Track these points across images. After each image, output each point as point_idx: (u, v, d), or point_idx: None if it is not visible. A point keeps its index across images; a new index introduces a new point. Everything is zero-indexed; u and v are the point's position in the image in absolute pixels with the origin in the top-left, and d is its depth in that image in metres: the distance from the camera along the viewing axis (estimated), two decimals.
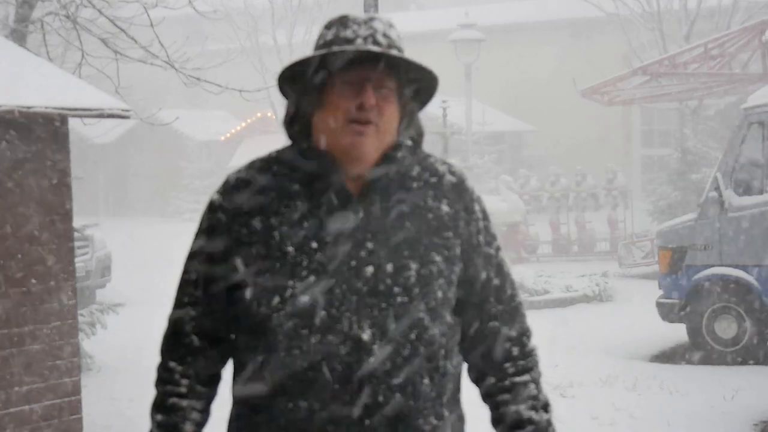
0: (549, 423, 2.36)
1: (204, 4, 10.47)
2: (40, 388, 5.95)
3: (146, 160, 31.98)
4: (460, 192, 2.24)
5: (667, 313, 10.02)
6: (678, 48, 17.45)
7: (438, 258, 2.16)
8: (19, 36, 8.45)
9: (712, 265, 9.68)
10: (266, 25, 25.43)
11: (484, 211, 2.28)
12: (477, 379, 2.33)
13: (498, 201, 18.02)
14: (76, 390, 6.19)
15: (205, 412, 2.25)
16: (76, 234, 7.45)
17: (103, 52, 8.93)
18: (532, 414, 2.31)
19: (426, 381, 2.14)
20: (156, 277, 15.94)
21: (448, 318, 2.20)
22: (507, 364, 2.29)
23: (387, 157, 2.17)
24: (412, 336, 2.12)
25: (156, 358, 2.27)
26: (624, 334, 10.79)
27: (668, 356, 9.98)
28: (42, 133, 5.91)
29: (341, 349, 2.08)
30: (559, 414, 8.56)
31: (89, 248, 13.20)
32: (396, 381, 2.10)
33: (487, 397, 2.32)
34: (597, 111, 23.19)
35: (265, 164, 2.21)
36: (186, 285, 2.24)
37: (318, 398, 2.09)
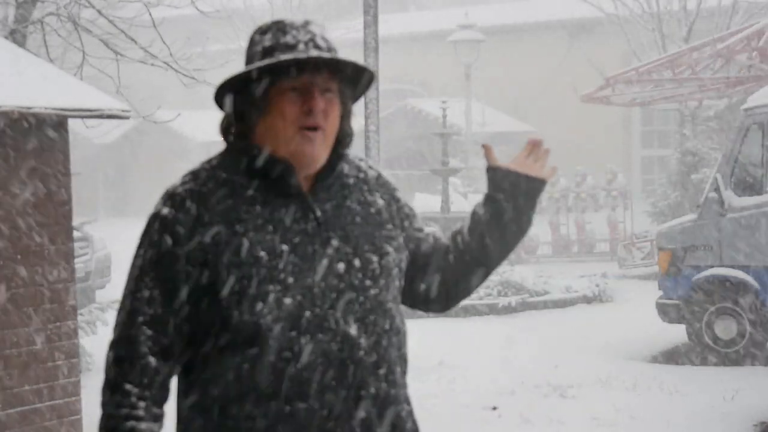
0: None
1: (205, 5, 10.47)
2: (40, 388, 5.95)
3: (146, 161, 31.98)
4: (384, 184, 2.35)
5: (667, 313, 10.02)
6: (677, 48, 17.45)
7: (390, 249, 2.26)
8: (19, 37, 8.45)
9: (712, 266, 9.68)
10: None
11: (402, 197, 2.39)
12: (443, 276, 2.40)
13: None
14: (76, 390, 6.19)
15: None
16: (75, 233, 7.45)
17: (104, 53, 8.93)
18: (478, 209, 2.42)
19: (398, 369, 2.23)
20: None
21: (401, 307, 2.31)
22: (449, 243, 2.42)
23: (336, 157, 2.24)
24: (386, 326, 2.20)
25: (100, 378, 2.19)
26: (624, 334, 10.79)
27: (668, 357, 9.99)
28: (42, 134, 5.91)
29: (333, 347, 2.12)
30: (559, 414, 8.55)
31: (89, 249, 13.21)
32: (381, 371, 2.17)
33: (452, 258, 2.40)
34: (597, 112, 23.20)
35: (211, 173, 2.21)
36: (139, 303, 2.16)
37: (316, 398, 2.10)
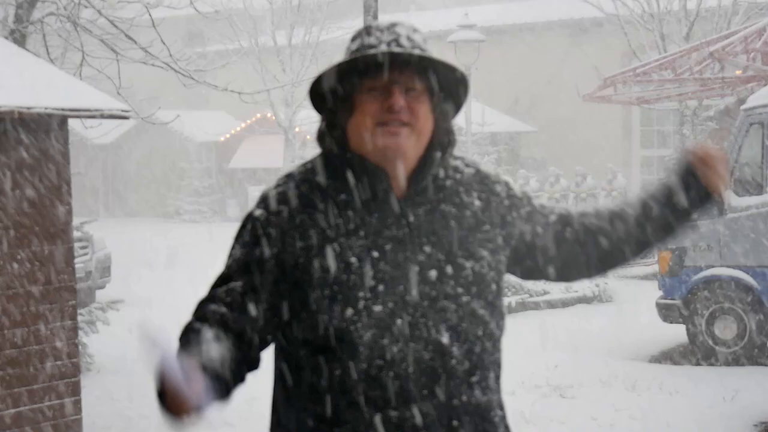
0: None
1: (205, 5, 10.47)
2: (40, 388, 5.96)
3: (146, 161, 31.97)
4: (482, 180, 2.30)
5: (666, 313, 10.02)
6: (677, 48, 17.44)
7: (485, 253, 2.21)
8: (19, 37, 8.45)
9: (712, 266, 9.68)
10: (266, 26, 25.43)
11: (506, 184, 2.34)
12: (601, 255, 2.39)
13: None
14: (76, 390, 6.19)
15: (234, 355, 2.06)
16: (75, 233, 7.45)
17: (104, 53, 8.93)
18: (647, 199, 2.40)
19: (492, 375, 2.20)
20: (156, 277, 15.96)
21: (503, 309, 2.26)
22: (599, 223, 2.38)
23: (426, 160, 2.19)
24: (479, 333, 2.16)
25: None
26: (624, 334, 10.79)
27: (668, 357, 9.99)
28: (42, 134, 5.91)
29: (425, 355, 2.09)
30: (559, 414, 8.55)
31: (89, 249, 13.20)
32: (474, 379, 2.14)
33: (621, 236, 2.38)
34: (597, 112, 23.21)
35: (305, 176, 2.20)
36: (220, 293, 2.13)
37: (409, 406, 2.08)
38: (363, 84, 2.14)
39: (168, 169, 31.40)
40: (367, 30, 2.20)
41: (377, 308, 2.08)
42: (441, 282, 2.13)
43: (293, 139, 24.73)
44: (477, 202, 2.25)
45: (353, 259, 2.10)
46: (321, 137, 2.22)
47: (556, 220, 2.36)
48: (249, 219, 2.19)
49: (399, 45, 2.15)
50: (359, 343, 2.07)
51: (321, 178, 2.19)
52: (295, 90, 23.22)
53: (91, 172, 30.33)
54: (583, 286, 13.79)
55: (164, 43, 8.66)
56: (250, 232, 2.17)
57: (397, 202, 2.16)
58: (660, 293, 10.20)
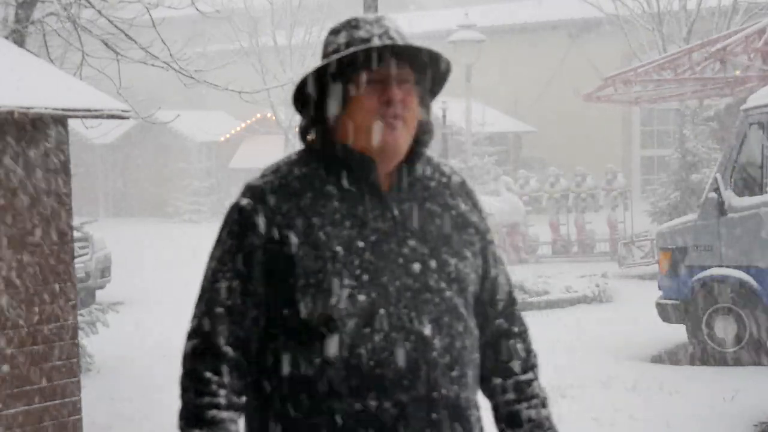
0: (547, 418, 2.40)
1: (205, 5, 10.47)
2: (40, 388, 5.96)
3: (146, 161, 31.98)
4: (468, 191, 2.33)
5: (666, 313, 10.02)
6: (677, 48, 17.44)
7: (468, 253, 2.23)
8: (19, 37, 8.45)
9: (712, 266, 9.68)
10: (266, 26, 25.43)
11: (484, 210, 2.37)
12: (482, 377, 2.35)
13: (498, 202, 18.03)
14: (76, 390, 6.19)
15: (238, 425, 2.18)
16: (76, 233, 7.46)
17: (104, 53, 8.93)
18: (532, 413, 2.35)
19: (470, 372, 2.21)
20: (156, 277, 15.96)
21: (472, 311, 2.28)
22: (512, 363, 2.35)
23: (415, 155, 2.22)
24: (461, 328, 2.18)
25: (176, 369, 2.19)
26: (624, 334, 10.79)
27: (668, 357, 9.98)
28: (42, 134, 5.91)
29: (407, 345, 2.10)
30: (559, 415, 8.53)
31: (89, 249, 13.20)
32: (454, 373, 2.15)
33: (491, 394, 2.36)
34: (597, 112, 23.21)
35: (291, 167, 2.21)
36: (216, 294, 2.17)
37: (387, 395, 2.09)
38: (359, 77, 2.14)
39: (168, 169, 31.40)
40: (352, 24, 2.20)
41: (361, 297, 2.09)
42: (424, 275, 2.15)
43: (293, 139, 24.74)
44: (463, 206, 2.28)
45: (338, 248, 2.11)
46: (304, 132, 2.23)
47: (491, 288, 2.34)
48: (235, 209, 2.19)
49: (390, 37, 2.16)
50: (342, 332, 2.08)
51: (307, 170, 2.19)
52: None
53: (91, 172, 30.32)
54: (582, 287, 13.80)
55: (164, 43, 8.66)
56: (235, 222, 2.18)
57: (384, 194, 2.17)
58: (660, 293, 10.20)
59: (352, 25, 2.19)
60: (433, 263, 2.16)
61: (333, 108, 2.16)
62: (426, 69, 2.21)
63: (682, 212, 15.58)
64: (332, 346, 2.09)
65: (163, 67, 8.80)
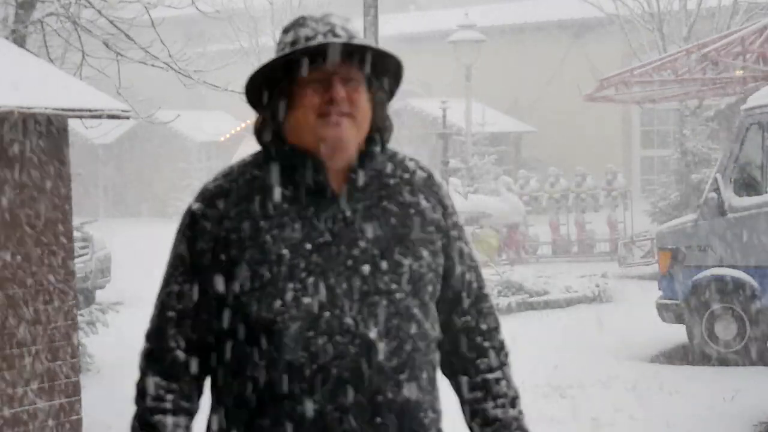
0: (515, 418, 2.33)
1: (205, 5, 10.47)
2: (40, 388, 5.96)
3: (146, 161, 31.97)
4: (432, 187, 2.27)
5: (666, 313, 10.02)
6: (677, 48, 17.44)
7: (425, 253, 2.19)
8: (19, 37, 8.45)
9: (712, 266, 9.67)
10: (266, 26, 25.43)
11: (453, 206, 2.31)
12: (450, 375, 2.35)
13: (498, 202, 18.03)
14: (76, 390, 6.19)
15: (189, 429, 2.21)
16: (76, 233, 7.45)
17: (104, 53, 8.93)
18: (498, 412, 2.31)
19: (425, 375, 2.18)
20: (156, 277, 15.95)
21: (434, 311, 2.24)
22: (479, 361, 2.32)
23: (367, 154, 2.18)
24: (412, 331, 2.15)
25: (135, 373, 2.23)
26: (624, 334, 10.79)
27: (668, 357, 9.98)
28: (42, 134, 5.91)
29: (350, 349, 2.09)
30: (559, 415, 8.53)
31: (89, 249, 13.20)
32: (402, 377, 2.13)
33: (459, 393, 2.34)
34: (597, 112, 23.20)
35: (243, 169, 2.21)
36: (168, 297, 2.20)
37: (329, 399, 2.08)
38: (302, 77, 2.13)
39: (168, 169, 31.39)
40: (299, 22, 2.19)
41: (306, 300, 2.08)
42: (374, 277, 2.12)
43: None
44: (424, 203, 2.23)
45: (285, 251, 2.10)
46: (259, 132, 2.22)
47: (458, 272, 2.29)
48: (187, 213, 2.21)
49: (335, 35, 2.14)
50: (285, 335, 2.08)
51: (259, 171, 2.19)
52: None
53: (91, 172, 30.31)
54: (582, 287, 13.80)
55: (164, 44, 8.66)
56: (187, 226, 2.20)
57: (335, 195, 2.15)
58: (660, 293, 10.20)
59: (299, 23, 2.19)
60: (384, 264, 2.13)
61: (281, 108, 2.16)
62: (382, 67, 2.19)
63: (682, 212, 15.58)
64: (274, 350, 2.09)
65: (163, 67, 8.80)
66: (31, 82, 5.92)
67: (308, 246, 2.11)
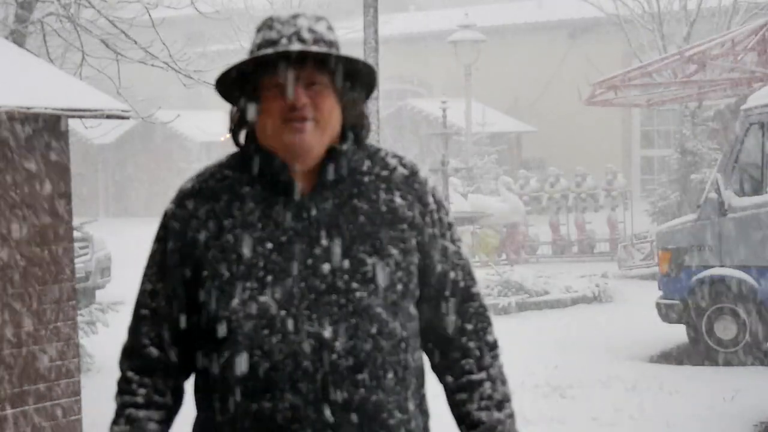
0: (500, 421, 2.30)
1: (205, 5, 10.48)
2: (40, 388, 5.96)
3: (146, 161, 31.98)
4: (413, 183, 2.23)
5: (666, 313, 10.02)
6: (677, 48, 17.43)
7: (395, 251, 2.16)
8: (19, 37, 8.45)
9: (712, 266, 9.68)
10: None
11: (439, 202, 2.27)
12: (437, 375, 2.33)
13: (498, 202, 18.04)
14: (76, 390, 6.19)
15: (164, 424, 2.23)
16: (76, 233, 7.46)
17: (104, 53, 8.94)
18: (483, 415, 2.28)
19: (390, 375, 2.15)
20: None
21: (411, 310, 2.21)
22: (463, 361, 2.28)
23: (333, 151, 2.17)
24: (373, 330, 2.12)
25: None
26: (624, 334, 10.79)
27: (668, 357, 9.99)
28: (42, 134, 5.91)
29: (304, 348, 2.09)
30: (559, 414, 8.55)
31: (89, 249, 13.20)
32: (360, 376, 2.11)
33: (447, 394, 2.32)
34: (597, 112, 23.18)
35: (215, 170, 2.25)
36: (143, 296, 2.26)
37: (283, 398, 2.09)
38: (267, 80, 2.14)
39: (168, 169, 31.40)
40: (267, 23, 2.19)
41: (262, 299, 2.10)
42: (334, 276, 2.11)
43: None
44: (398, 200, 2.20)
45: (245, 251, 2.12)
46: (233, 132, 2.24)
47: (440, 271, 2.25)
48: (163, 214, 2.25)
49: (300, 38, 2.13)
50: (239, 334, 2.10)
51: (231, 172, 2.22)
52: None
53: (91, 172, 30.32)
54: (582, 287, 13.80)
55: (164, 44, 8.66)
56: (161, 227, 2.24)
57: (301, 195, 2.16)
58: (660, 293, 10.20)
59: (267, 25, 2.18)
60: (345, 263, 2.12)
61: (250, 110, 2.17)
62: (352, 68, 2.18)
63: (682, 212, 15.58)
64: (230, 348, 2.11)
65: (162, 67, 8.81)
66: (31, 82, 5.91)
67: (269, 245, 2.13)
